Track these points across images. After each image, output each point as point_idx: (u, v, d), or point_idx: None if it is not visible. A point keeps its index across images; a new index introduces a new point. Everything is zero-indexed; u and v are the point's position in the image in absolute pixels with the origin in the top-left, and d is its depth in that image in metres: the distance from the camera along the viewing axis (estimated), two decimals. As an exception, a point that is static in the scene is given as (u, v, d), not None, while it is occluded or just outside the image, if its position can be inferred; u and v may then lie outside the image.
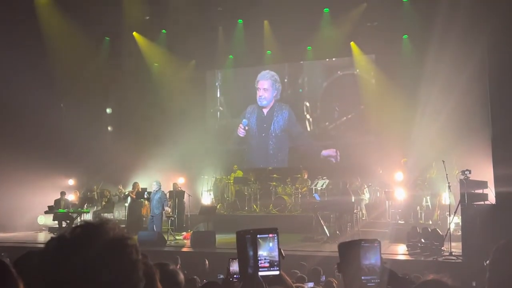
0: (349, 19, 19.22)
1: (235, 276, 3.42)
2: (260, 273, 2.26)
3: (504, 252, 2.85)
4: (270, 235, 2.31)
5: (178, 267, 10.35)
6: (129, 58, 21.21)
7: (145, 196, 16.74)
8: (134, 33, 21.25)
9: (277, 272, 2.29)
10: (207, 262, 10.83)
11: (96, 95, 20.10)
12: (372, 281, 2.33)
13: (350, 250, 2.41)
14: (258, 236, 2.29)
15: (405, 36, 19.04)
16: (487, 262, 2.91)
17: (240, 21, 20.88)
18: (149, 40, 21.62)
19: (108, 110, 22.08)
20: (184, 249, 14.24)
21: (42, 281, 1.43)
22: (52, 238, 1.49)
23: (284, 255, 2.33)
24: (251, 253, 2.28)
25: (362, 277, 2.33)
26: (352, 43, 20.14)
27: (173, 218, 16.40)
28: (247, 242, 2.29)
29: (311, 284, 6.40)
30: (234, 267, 3.50)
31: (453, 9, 15.47)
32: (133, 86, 21.28)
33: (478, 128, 13.91)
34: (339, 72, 21.19)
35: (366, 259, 2.37)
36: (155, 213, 16.10)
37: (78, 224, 1.53)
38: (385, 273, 2.42)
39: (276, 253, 2.30)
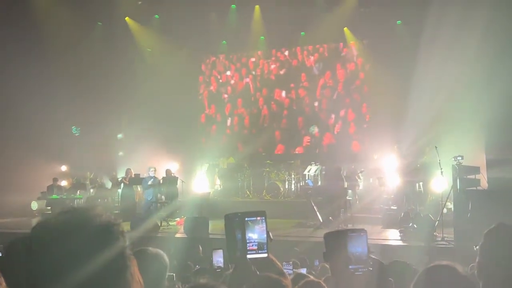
0: (343, 5, 19.18)
1: (217, 266, 3.44)
2: (249, 256, 2.25)
3: (494, 237, 2.85)
4: (258, 218, 2.30)
5: (171, 252, 10.38)
6: (121, 43, 21.06)
7: (150, 183, 16.70)
8: (127, 18, 21.11)
9: (265, 255, 2.27)
10: (200, 248, 10.82)
11: (87, 80, 19.95)
12: (360, 269, 2.32)
13: (337, 239, 2.40)
14: (246, 219, 2.28)
15: (399, 22, 18.97)
16: (477, 246, 2.92)
17: (233, 6, 20.77)
18: (142, 25, 21.48)
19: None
20: (178, 235, 14.24)
21: (28, 268, 1.40)
22: (37, 223, 1.46)
23: (272, 238, 2.31)
24: (239, 236, 2.27)
25: (350, 266, 2.32)
26: (345, 28, 20.08)
27: (166, 204, 16.40)
28: (235, 225, 2.28)
29: (304, 270, 6.39)
30: (217, 257, 3.53)
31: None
32: (125, 71, 21.13)
33: (471, 114, 13.92)
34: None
35: (353, 248, 2.36)
36: (154, 199, 16.39)
37: (65, 209, 1.49)
38: (374, 265, 2.42)
39: (264, 236, 2.29)
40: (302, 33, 21.05)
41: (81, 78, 19.69)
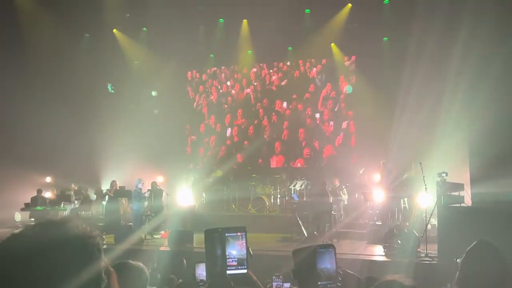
0: (330, 21, 19.32)
1: (200, 279, 3.43)
2: (228, 272, 2.23)
3: (475, 253, 2.87)
4: (239, 234, 2.29)
5: (155, 265, 10.31)
6: (109, 55, 21.04)
7: (147, 195, 16.74)
8: (114, 30, 21.11)
9: (245, 271, 2.26)
10: (184, 261, 10.75)
11: (73, 91, 19.90)
12: (329, 285, 2.32)
13: (306, 256, 2.39)
14: (226, 234, 2.27)
15: (385, 38, 19.11)
16: (458, 260, 2.94)
17: (221, 20, 20.84)
18: (130, 38, 21.48)
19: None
20: (162, 248, 14.16)
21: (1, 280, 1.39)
22: (11, 235, 1.45)
23: (252, 253, 2.31)
24: (219, 251, 2.26)
25: (319, 283, 2.32)
26: (332, 44, 20.19)
27: (151, 217, 16.32)
28: (215, 240, 2.27)
29: (287, 285, 6.34)
30: (200, 270, 3.51)
31: (431, 14, 15.69)
32: (112, 82, 21.10)
33: (455, 131, 14.01)
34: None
35: (322, 264, 2.35)
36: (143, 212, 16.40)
37: (40, 222, 1.48)
38: (347, 278, 2.42)
39: (244, 252, 2.28)
40: (289, 48, 21.15)
41: (67, 89, 19.64)
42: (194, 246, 13.85)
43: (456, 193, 11.44)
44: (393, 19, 18.20)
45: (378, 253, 12.62)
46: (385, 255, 12.14)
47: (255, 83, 22.75)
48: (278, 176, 19.13)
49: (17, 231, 1.48)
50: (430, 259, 11.03)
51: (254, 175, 19.44)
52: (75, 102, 19.83)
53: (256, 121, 22.47)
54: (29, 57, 18.64)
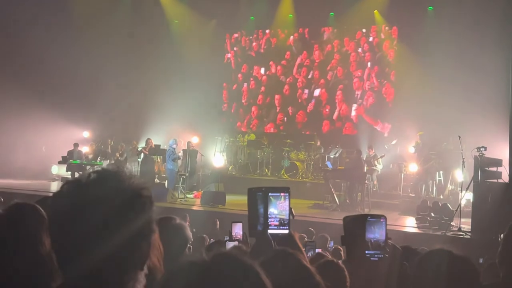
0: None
1: (237, 238, 3.46)
2: (270, 231, 2.25)
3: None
4: (282, 194, 2.29)
5: (187, 224, 10.47)
6: (149, 12, 21.06)
7: (181, 155, 16.97)
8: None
9: (286, 231, 2.27)
10: (218, 222, 10.87)
11: (114, 48, 20.02)
12: (376, 255, 2.32)
13: (356, 224, 2.39)
14: (269, 194, 2.27)
15: (430, 8, 18.66)
16: (502, 235, 2.90)
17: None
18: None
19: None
20: (194, 208, 14.34)
21: (54, 223, 1.42)
22: (67, 181, 1.47)
23: (294, 215, 2.31)
24: (261, 210, 2.26)
25: (366, 252, 2.32)
26: (375, 11, 19.79)
27: (184, 177, 16.48)
28: (258, 199, 2.28)
29: (318, 250, 6.38)
30: (236, 229, 3.54)
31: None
32: (151, 41, 21.16)
33: (497, 106, 13.71)
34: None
35: (371, 234, 2.35)
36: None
37: (95, 170, 1.49)
38: (394, 251, 2.42)
39: (286, 212, 2.28)
40: (331, 13, 20.80)
41: (107, 45, 19.74)
42: (226, 207, 14.02)
43: (494, 169, 11.24)
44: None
45: (410, 224, 12.59)
46: (418, 227, 12.11)
47: (235, 48, 22.97)
48: (312, 142, 19.03)
49: (72, 178, 1.50)
50: (463, 234, 10.94)
51: (288, 141, 19.39)
52: (114, 58, 19.93)
53: (235, 86, 22.74)
54: (73, 11, 18.80)
